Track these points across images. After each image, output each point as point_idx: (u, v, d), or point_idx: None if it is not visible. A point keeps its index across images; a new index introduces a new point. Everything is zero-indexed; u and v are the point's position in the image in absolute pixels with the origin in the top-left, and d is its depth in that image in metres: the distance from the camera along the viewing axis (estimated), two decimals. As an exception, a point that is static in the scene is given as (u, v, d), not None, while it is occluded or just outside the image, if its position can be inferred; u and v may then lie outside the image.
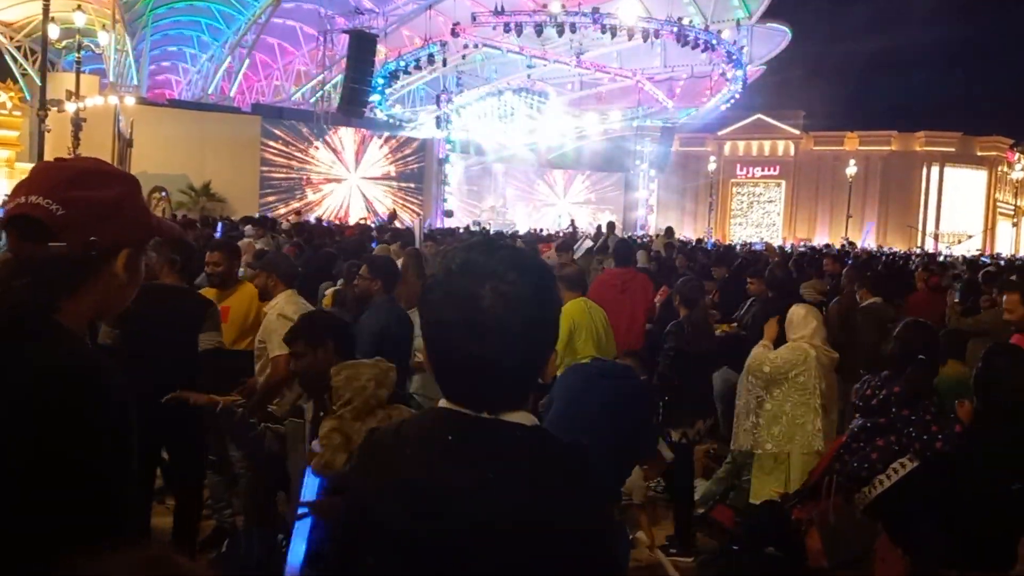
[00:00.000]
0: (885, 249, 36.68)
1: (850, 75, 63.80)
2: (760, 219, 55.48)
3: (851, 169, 44.53)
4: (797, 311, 5.68)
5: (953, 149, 51.82)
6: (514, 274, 1.23)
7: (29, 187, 1.47)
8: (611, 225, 14.48)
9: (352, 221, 29.65)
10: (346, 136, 37.69)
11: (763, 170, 55.43)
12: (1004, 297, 5.39)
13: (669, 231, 14.00)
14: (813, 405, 5.35)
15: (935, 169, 51.69)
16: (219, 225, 15.56)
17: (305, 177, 36.70)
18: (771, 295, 8.27)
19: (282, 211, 32.76)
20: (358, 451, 1.38)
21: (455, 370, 1.27)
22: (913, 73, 74.21)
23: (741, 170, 55.89)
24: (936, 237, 49.49)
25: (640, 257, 11.59)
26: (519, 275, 1.23)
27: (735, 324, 8.22)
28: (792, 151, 54.52)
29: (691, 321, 5.77)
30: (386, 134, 39.56)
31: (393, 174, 40.05)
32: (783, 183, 54.84)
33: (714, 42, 33.86)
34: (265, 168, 35.46)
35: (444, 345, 1.26)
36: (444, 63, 35.19)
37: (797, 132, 54.11)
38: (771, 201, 55.51)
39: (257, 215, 25.99)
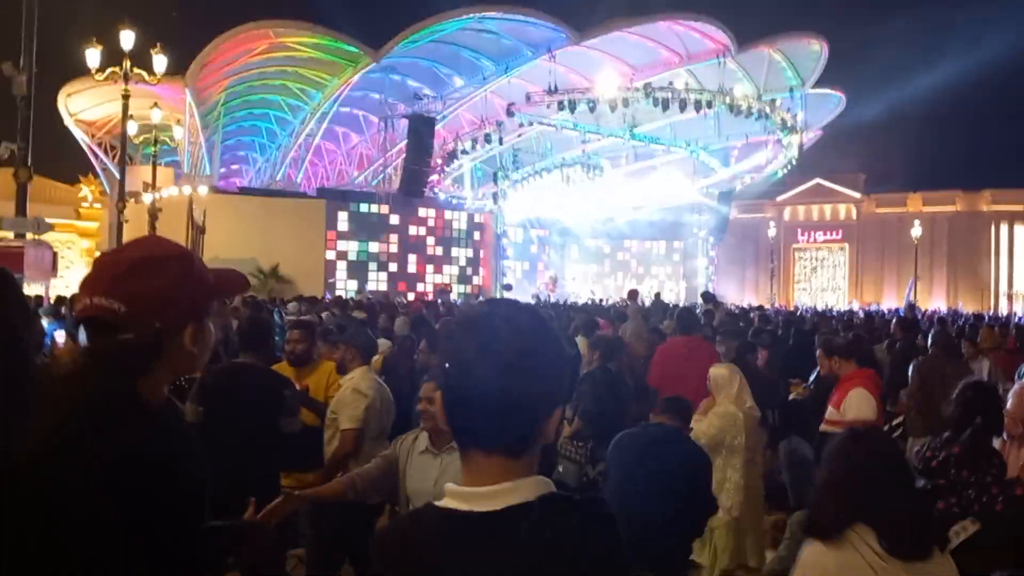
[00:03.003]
0: (959, 310, 35.59)
1: (909, 135, 62.98)
2: (825, 284, 54.53)
3: (916, 231, 43.66)
4: (719, 372, 5.75)
5: (1021, 207, 50.43)
6: (529, 321, 1.41)
7: (92, 287, 1.62)
8: (633, 293, 14.40)
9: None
10: (405, 216, 38.55)
11: (825, 234, 54.68)
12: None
13: (706, 295, 13.85)
14: (734, 464, 5.46)
15: (1004, 227, 50.32)
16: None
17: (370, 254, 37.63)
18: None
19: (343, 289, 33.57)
20: (372, 549, 1.49)
21: (467, 405, 1.38)
22: (975, 130, 72.92)
23: (802, 235, 55.25)
24: (1010, 297, 47.85)
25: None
26: (533, 322, 1.41)
27: (808, 387, 8.12)
28: (854, 214, 53.77)
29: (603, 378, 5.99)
30: (443, 211, 40.43)
31: (452, 250, 40.76)
32: (846, 247, 53.96)
33: (767, 110, 34.00)
34: (331, 248, 36.51)
35: (460, 378, 1.39)
36: (500, 141, 36.05)
37: (858, 195, 53.43)
38: (835, 265, 54.59)
39: (323, 294, 26.69)
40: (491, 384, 1.34)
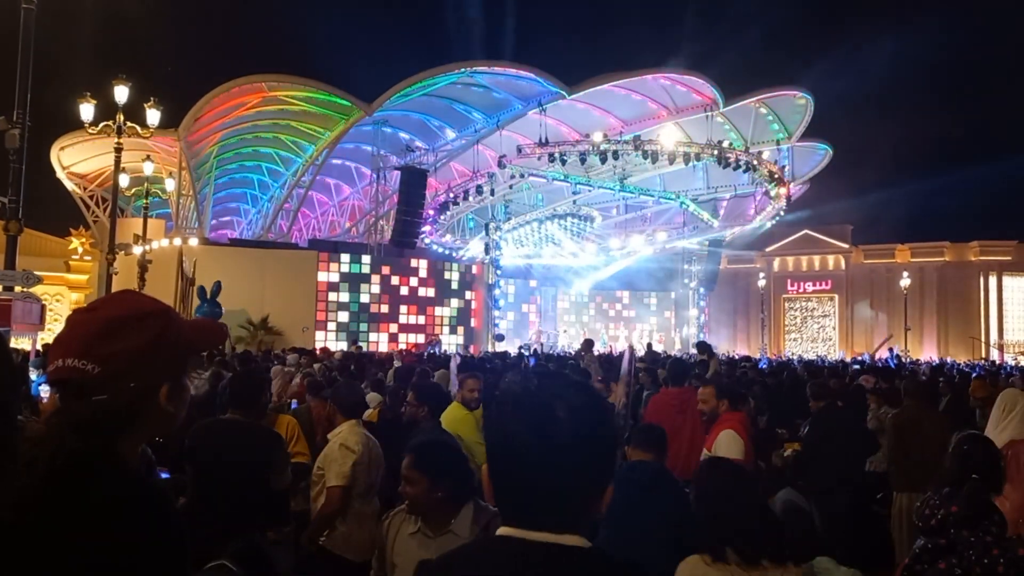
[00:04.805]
0: (948, 361, 35.62)
1: (896, 186, 63.65)
2: (816, 334, 54.61)
3: (905, 281, 43.94)
4: None
5: (1009, 258, 50.78)
6: (582, 398, 1.35)
7: (65, 348, 1.55)
8: (588, 343, 14.35)
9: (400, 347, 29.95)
10: (396, 267, 38.54)
11: (814, 285, 54.93)
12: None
13: (702, 345, 13.74)
14: None
15: (992, 279, 50.64)
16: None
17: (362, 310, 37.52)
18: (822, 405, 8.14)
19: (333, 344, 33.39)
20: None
21: (519, 484, 1.33)
22: (961, 182, 73.82)
23: (792, 285, 55.49)
24: (1001, 347, 47.94)
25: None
26: (587, 399, 1.36)
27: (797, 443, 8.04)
28: (843, 265, 54.10)
29: None
30: (435, 262, 40.46)
31: (443, 301, 40.67)
32: (836, 297, 54.18)
33: (755, 163, 34.40)
34: (321, 301, 36.38)
35: (512, 458, 1.33)
36: (492, 193, 36.28)
37: (846, 246, 53.81)
38: (825, 315, 54.74)
39: (312, 346, 26.52)
40: (545, 465, 1.29)
